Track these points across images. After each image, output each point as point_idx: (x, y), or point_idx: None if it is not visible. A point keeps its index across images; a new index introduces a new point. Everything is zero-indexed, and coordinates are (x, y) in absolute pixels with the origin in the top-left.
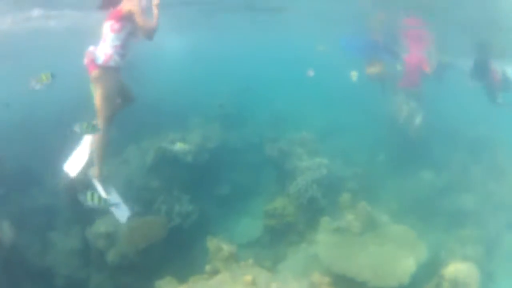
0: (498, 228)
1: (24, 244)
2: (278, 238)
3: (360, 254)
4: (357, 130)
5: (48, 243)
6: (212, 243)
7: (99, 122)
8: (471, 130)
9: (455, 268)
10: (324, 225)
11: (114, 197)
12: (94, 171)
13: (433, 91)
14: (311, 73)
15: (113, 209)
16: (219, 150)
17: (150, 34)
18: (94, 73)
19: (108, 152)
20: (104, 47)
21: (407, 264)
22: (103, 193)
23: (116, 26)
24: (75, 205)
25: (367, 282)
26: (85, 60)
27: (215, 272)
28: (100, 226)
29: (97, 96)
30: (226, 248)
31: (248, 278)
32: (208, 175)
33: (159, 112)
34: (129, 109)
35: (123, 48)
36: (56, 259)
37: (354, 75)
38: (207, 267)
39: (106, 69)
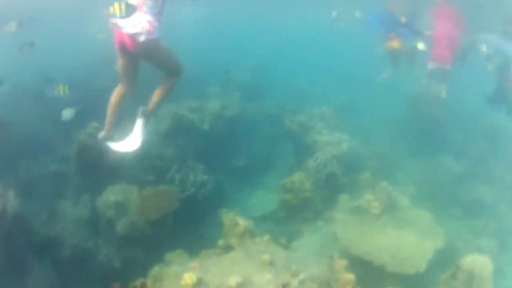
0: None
1: (31, 213)
2: (294, 214)
3: (378, 236)
4: (377, 107)
5: (56, 212)
6: (227, 217)
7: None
8: (491, 118)
9: (472, 260)
10: (343, 203)
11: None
12: (148, 108)
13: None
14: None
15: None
16: (237, 120)
17: None
18: (140, 48)
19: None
20: (144, 16)
21: (425, 250)
22: (139, 132)
23: None
24: (86, 171)
25: (385, 266)
26: (118, 33)
27: (228, 247)
28: (109, 195)
29: (161, 67)
30: (242, 223)
31: (266, 258)
32: (225, 145)
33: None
34: (145, 76)
35: (162, 15)
36: (63, 228)
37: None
38: (220, 242)
39: (152, 41)
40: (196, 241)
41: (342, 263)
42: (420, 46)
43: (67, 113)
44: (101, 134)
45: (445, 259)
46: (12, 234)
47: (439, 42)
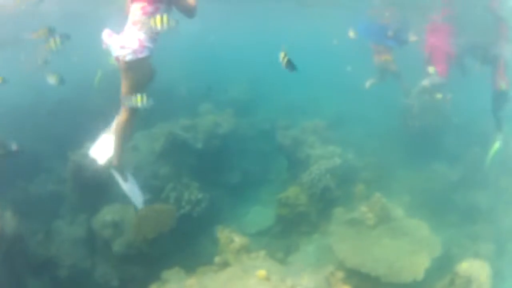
0: (509, 225)
1: (28, 233)
2: (290, 228)
3: (374, 248)
4: (370, 118)
5: (53, 232)
6: (222, 234)
7: (126, 110)
8: (483, 123)
9: (469, 265)
10: (338, 216)
11: (131, 184)
12: (113, 160)
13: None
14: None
15: (130, 195)
16: (230, 137)
17: (192, 12)
18: (125, 64)
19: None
20: (136, 34)
21: (422, 259)
22: (121, 182)
23: (150, 8)
24: (81, 191)
25: (382, 277)
26: (105, 46)
27: (225, 264)
28: (106, 215)
29: (127, 84)
30: (238, 239)
31: (262, 273)
32: (218, 162)
33: (170, 97)
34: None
35: (157, 33)
36: (60, 248)
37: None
38: (217, 259)
39: (138, 60)
40: (193, 257)
41: (338, 275)
42: (431, 69)
43: None
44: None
45: (443, 266)
46: (11, 255)
47: (434, 56)
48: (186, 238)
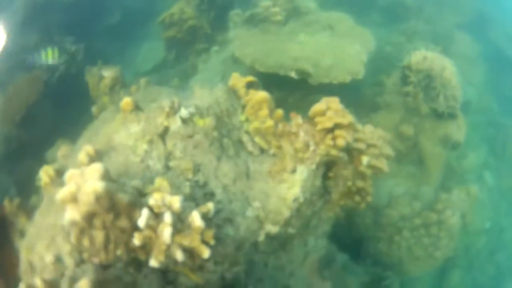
0: (446, 25)
1: None
2: (185, 50)
3: (289, 45)
4: None
5: None
6: (89, 75)
7: None
8: None
9: (423, 58)
10: (236, 19)
11: None
12: None
13: None
14: None
15: None
16: None
17: None
18: None
19: None
20: None
21: (355, 52)
22: None
23: None
24: None
25: (309, 78)
26: None
27: (103, 110)
28: None
29: None
30: (107, 73)
31: (126, 102)
32: (91, 7)
33: None
34: None
35: None
36: None
37: None
38: (93, 109)
39: None
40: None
41: (247, 80)
42: None
43: None
44: None
45: (381, 67)
46: None
47: None
48: (74, 106)
